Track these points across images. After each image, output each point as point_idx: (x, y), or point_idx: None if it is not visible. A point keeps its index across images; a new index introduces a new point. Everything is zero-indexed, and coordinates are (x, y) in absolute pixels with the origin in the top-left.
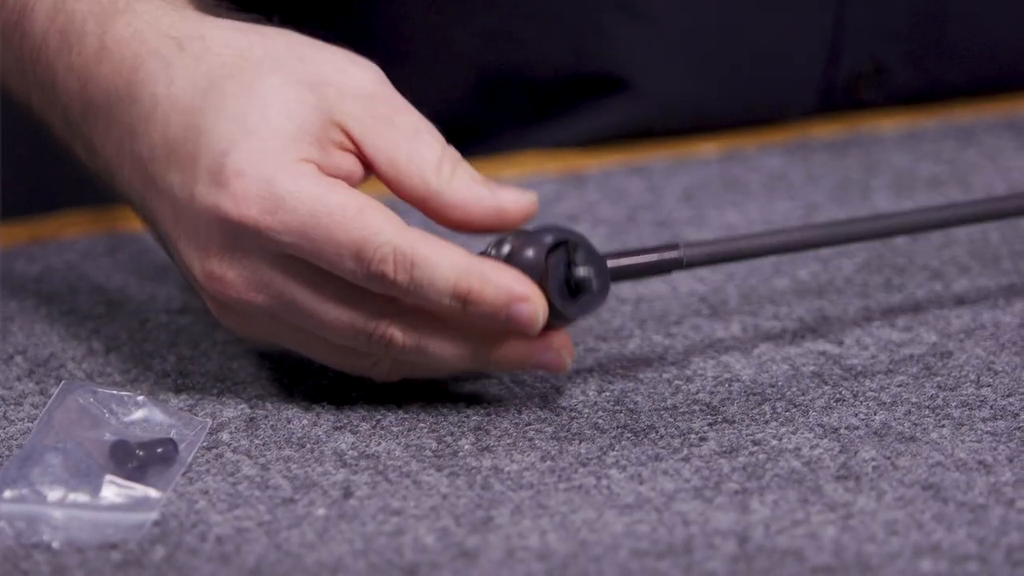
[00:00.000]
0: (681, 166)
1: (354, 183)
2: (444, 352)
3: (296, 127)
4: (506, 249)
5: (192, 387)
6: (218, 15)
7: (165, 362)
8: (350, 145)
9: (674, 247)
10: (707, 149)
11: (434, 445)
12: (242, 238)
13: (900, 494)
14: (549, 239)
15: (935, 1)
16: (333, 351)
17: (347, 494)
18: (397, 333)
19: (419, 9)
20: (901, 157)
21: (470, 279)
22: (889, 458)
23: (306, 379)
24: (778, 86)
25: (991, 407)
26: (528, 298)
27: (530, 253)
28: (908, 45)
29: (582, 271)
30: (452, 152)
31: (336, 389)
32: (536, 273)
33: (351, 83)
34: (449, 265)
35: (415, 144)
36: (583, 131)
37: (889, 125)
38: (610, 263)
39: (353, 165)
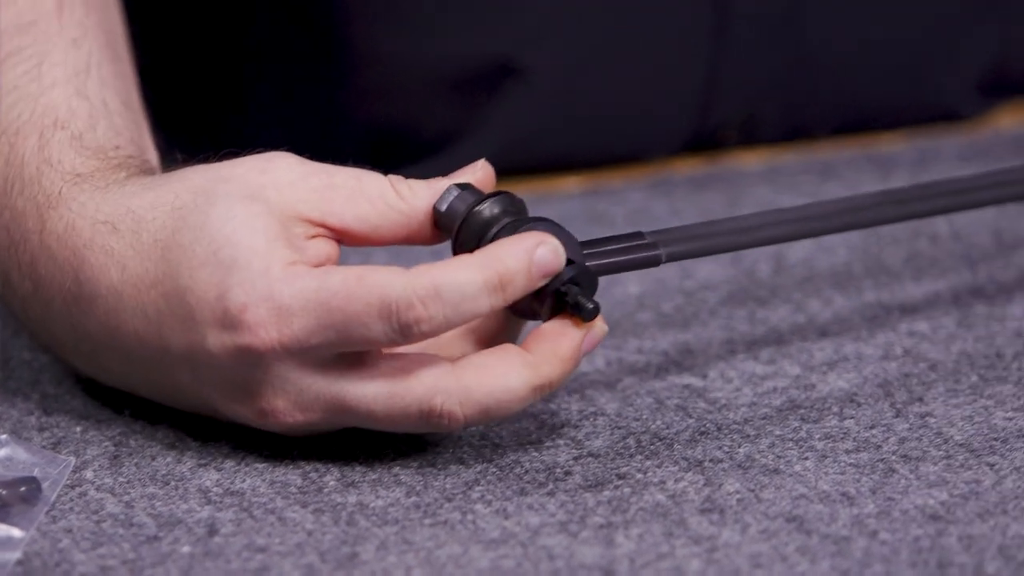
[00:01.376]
0: (543, 201)
1: (336, 262)
2: (508, 377)
3: (265, 239)
4: None
5: (55, 425)
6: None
7: (28, 400)
8: (314, 229)
9: (654, 246)
10: (570, 184)
11: (299, 481)
12: (275, 363)
13: (764, 527)
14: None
15: (805, 51)
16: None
17: (212, 531)
18: (455, 407)
19: (303, 68)
20: (763, 191)
21: (490, 266)
22: (753, 491)
23: (170, 416)
24: (645, 134)
25: (854, 439)
26: (540, 241)
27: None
28: (780, 96)
29: (587, 303)
30: (392, 176)
31: (201, 426)
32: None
33: (280, 176)
34: (465, 270)
35: (365, 188)
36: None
37: (750, 161)
38: (589, 263)
39: (326, 247)
